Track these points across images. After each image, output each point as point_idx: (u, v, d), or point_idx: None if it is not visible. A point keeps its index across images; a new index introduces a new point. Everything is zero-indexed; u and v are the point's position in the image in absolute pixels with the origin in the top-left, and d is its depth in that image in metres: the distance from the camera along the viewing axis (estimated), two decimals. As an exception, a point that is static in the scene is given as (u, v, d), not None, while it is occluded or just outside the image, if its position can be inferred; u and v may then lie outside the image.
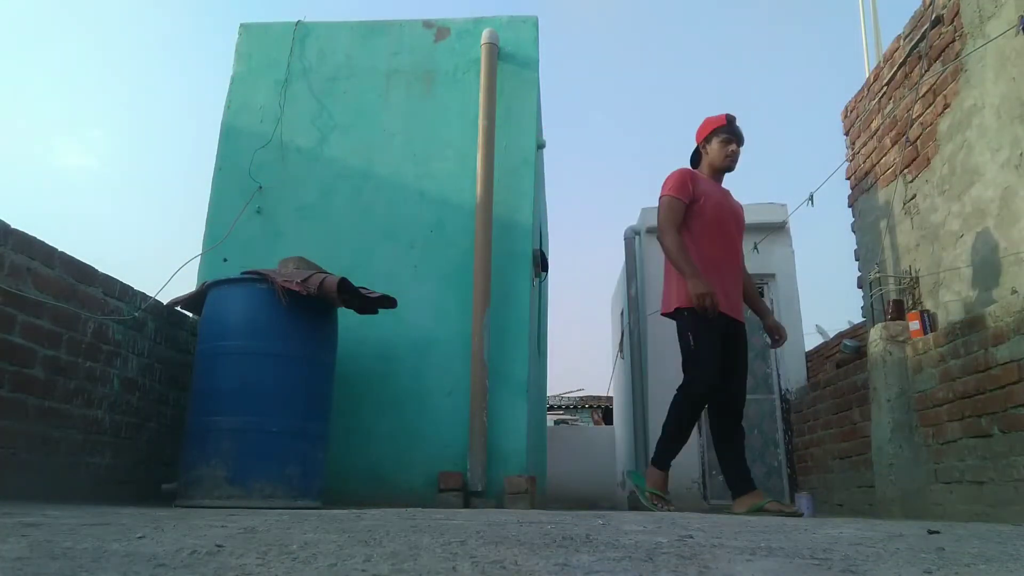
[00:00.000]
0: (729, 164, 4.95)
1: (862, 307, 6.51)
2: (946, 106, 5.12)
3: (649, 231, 8.91)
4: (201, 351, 4.21)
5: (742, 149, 4.99)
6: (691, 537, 1.79)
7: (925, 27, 5.36)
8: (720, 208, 4.84)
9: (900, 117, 5.77)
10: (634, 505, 7.48)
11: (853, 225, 6.78)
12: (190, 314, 4.76)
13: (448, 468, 4.88)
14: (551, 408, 17.64)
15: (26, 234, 3.44)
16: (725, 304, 4.60)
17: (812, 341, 8.74)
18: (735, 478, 4.59)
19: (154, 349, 4.48)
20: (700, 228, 4.77)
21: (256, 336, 4.09)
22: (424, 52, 5.93)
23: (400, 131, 5.72)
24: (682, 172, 4.87)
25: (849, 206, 6.85)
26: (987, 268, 4.65)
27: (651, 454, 8.07)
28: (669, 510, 4.34)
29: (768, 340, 5.07)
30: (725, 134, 4.91)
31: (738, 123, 5.00)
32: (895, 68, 5.84)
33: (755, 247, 7.95)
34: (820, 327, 8.91)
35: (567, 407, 19.21)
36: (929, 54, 5.36)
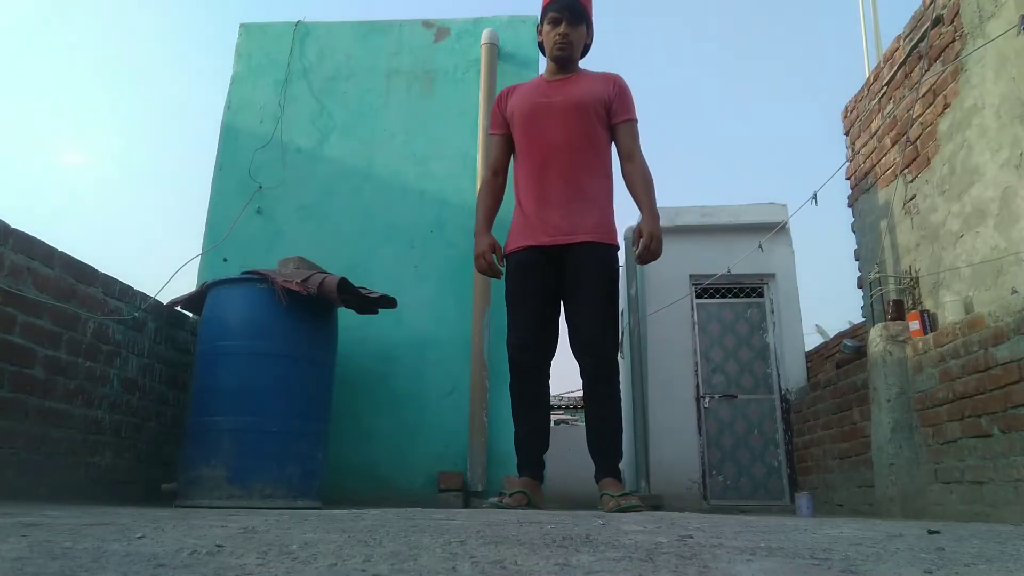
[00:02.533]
0: (558, 53, 3.81)
1: (862, 307, 6.51)
2: (946, 106, 5.12)
3: (649, 231, 8.88)
4: (201, 351, 4.21)
5: (582, 29, 3.85)
6: (691, 537, 1.78)
7: (925, 27, 5.36)
8: (536, 110, 3.78)
9: (900, 117, 5.77)
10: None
11: (853, 225, 6.78)
12: (190, 314, 4.76)
13: (448, 468, 4.88)
14: (551, 408, 17.61)
15: (26, 234, 3.44)
16: (542, 230, 3.67)
17: (812, 341, 8.74)
18: (591, 452, 3.66)
19: (154, 349, 4.48)
20: (517, 149, 3.88)
21: (256, 336, 4.09)
22: (424, 52, 5.93)
23: (400, 131, 5.73)
24: (497, 95, 4.07)
25: (849, 206, 6.85)
26: (987, 268, 4.65)
27: (651, 456, 8.14)
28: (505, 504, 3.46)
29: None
30: (552, 11, 3.81)
31: None
32: (895, 68, 5.84)
33: (760, 246, 7.95)
34: (820, 327, 8.91)
35: (567, 407, 19.19)
36: (929, 54, 5.35)
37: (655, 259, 3.65)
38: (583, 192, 3.69)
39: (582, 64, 3.96)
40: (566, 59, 3.83)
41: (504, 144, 3.93)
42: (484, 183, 3.98)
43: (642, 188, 3.73)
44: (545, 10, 3.84)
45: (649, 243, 3.57)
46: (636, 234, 3.64)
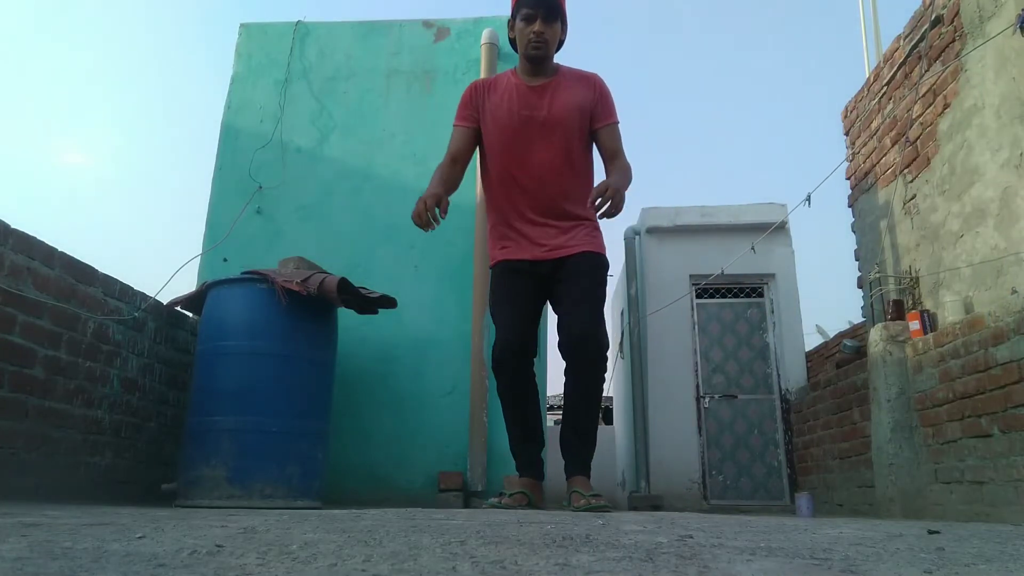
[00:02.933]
0: (533, 52, 3.57)
1: (862, 307, 6.50)
2: (946, 106, 5.11)
3: (649, 231, 8.90)
4: (201, 351, 4.21)
5: (557, 27, 3.61)
6: (691, 537, 1.77)
7: (925, 27, 5.35)
8: (520, 124, 3.59)
9: (900, 117, 5.77)
10: (634, 506, 7.49)
11: (853, 225, 6.77)
12: (190, 314, 4.76)
13: (448, 468, 4.88)
14: (551, 408, 17.56)
15: (26, 234, 3.43)
16: (536, 246, 3.59)
17: (812, 341, 8.73)
18: (566, 447, 3.55)
19: (154, 349, 4.48)
20: (488, 154, 3.72)
21: (256, 336, 4.09)
22: (424, 52, 5.93)
23: (400, 131, 5.73)
24: (470, 86, 3.83)
25: (849, 206, 6.85)
26: (987, 268, 4.64)
27: (651, 456, 8.13)
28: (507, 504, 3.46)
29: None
30: (525, 8, 3.56)
31: None
32: (895, 68, 5.83)
33: (752, 248, 7.94)
34: (820, 327, 8.89)
35: (567, 407, 19.13)
36: (929, 54, 5.35)
37: (617, 211, 3.32)
38: (573, 212, 3.61)
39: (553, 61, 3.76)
40: (541, 58, 3.61)
41: (472, 137, 3.71)
42: (441, 166, 3.66)
43: (619, 169, 3.57)
44: (518, 5, 3.60)
45: (605, 190, 3.24)
46: (597, 190, 3.29)
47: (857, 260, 6.67)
